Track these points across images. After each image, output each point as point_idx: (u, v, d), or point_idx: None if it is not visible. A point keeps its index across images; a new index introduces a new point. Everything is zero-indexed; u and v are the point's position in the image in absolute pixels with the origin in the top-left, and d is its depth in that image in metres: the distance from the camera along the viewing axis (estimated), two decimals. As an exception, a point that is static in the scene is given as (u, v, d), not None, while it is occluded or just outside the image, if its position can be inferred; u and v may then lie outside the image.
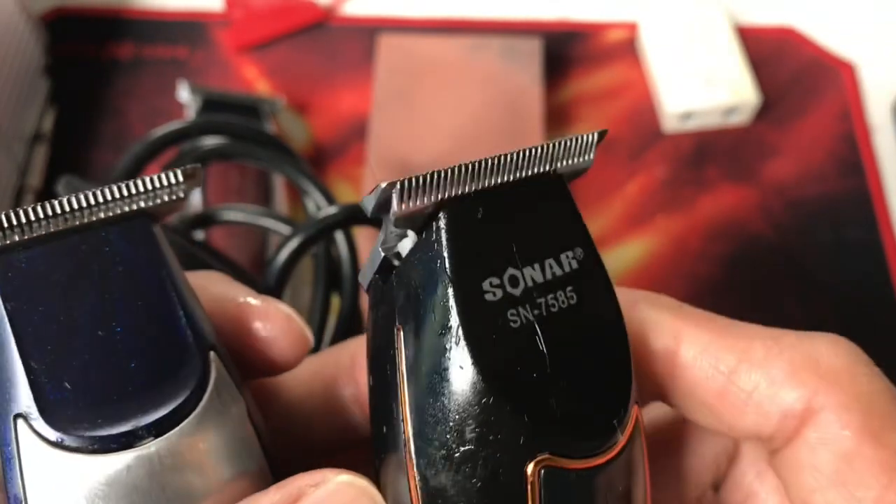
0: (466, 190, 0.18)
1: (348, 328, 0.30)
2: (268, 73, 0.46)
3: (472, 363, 0.17)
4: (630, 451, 0.18)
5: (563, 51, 0.47)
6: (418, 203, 0.17)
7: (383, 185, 0.17)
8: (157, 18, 0.49)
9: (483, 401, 0.17)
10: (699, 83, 0.43)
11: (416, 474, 0.17)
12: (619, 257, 0.41)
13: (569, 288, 0.18)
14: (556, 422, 0.17)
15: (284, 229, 0.31)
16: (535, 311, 0.18)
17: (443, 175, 0.18)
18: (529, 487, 0.17)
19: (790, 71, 0.46)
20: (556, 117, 0.44)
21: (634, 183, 0.43)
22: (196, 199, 0.37)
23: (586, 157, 0.19)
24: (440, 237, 0.17)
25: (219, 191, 0.38)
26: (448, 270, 0.17)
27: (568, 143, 0.18)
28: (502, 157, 0.18)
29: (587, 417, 0.18)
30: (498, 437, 0.17)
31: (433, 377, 0.17)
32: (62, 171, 0.43)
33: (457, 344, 0.17)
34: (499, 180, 0.18)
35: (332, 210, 0.29)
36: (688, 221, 0.41)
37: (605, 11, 0.49)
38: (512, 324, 0.17)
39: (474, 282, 0.17)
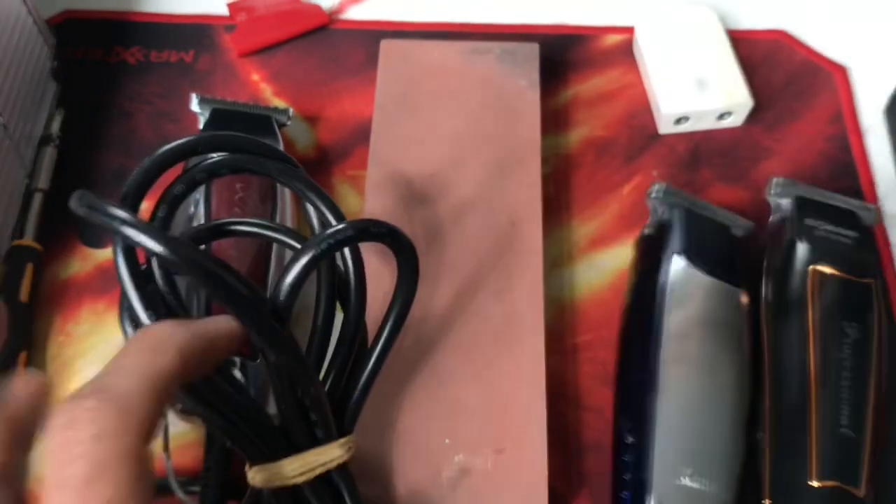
0: None
1: (352, 341, 0.31)
2: (272, 76, 0.47)
3: None
4: None
5: (561, 55, 0.48)
6: None
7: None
8: (163, 22, 0.49)
9: None
10: (694, 87, 0.44)
11: None
12: (615, 258, 0.42)
13: None
14: None
15: (295, 243, 0.31)
16: None
17: None
18: None
19: (783, 74, 0.47)
20: (554, 120, 0.45)
21: (630, 184, 0.43)
22: (200, 212, 0.38)
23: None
24: None
25: (223, 203, 0.38)
26: None
27: None
28: None
29: None
30: None
31: None
32: (70, 174, 0.44)
33: None
34: None
35: (341, 226, 0.29)
36: (683, 222, 0.42)
37: (602, 16, 0.49)
38: None
39: None
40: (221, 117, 0.42)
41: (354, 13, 0.50)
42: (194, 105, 0.42)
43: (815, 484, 0.32)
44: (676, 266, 0.37)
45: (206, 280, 0.25)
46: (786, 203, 0.39)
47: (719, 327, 0.36)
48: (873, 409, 0.33)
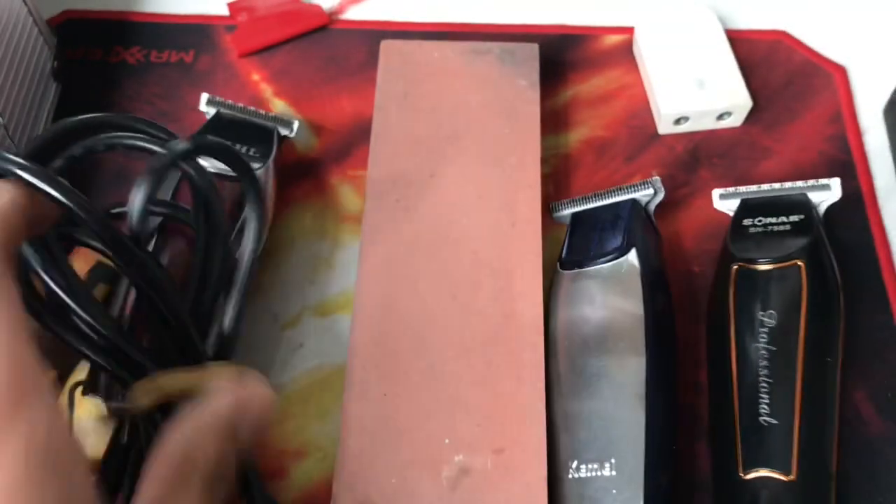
0: None
1: (214, 266, 0.32)
2: (272, 76, 0.47)
3: None
4: None
5: (561, 55, 0.48)
6: None
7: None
8: (163, 22, 0.49)
9: None
10: (693, 87, 0.44)
11: None
12: (615, 257, 0.42)
13: None
14: None
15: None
16: None
17: None
18: None
19: (782, 74, 0.47)
20: (554, 120, 0.45)
21: (630, 184, 0.44)
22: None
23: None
24: None
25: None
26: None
27: None
28: None
29: None
30: None
31: None
32: (70, 174, 0.44)
33: None
34: None
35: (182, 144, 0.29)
36: (683, 222, 0.42)
37: (602, 16, 0.50)
38: None
39: None
40: (222, 119, 0.42)
41: (354, 13, 0.50)
42: (202, 104, 0.42)
43: (742, 475, 0.33)
44: (557, 276, 0.39)
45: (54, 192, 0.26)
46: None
47: (590, 315, 0.36)
48: (802, 391, 0.34)
